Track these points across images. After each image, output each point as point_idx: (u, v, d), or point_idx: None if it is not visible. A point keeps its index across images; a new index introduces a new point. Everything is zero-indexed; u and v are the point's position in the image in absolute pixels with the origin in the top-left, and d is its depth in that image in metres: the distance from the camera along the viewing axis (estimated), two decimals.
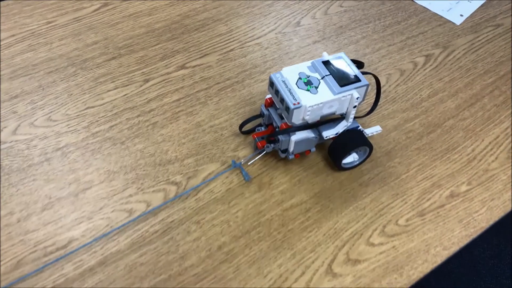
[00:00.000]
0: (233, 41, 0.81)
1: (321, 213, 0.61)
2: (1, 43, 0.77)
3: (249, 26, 0.84)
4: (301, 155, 0.66)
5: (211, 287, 0.53)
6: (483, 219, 0.62)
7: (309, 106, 0.57)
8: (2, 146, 0.64)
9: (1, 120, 0.67)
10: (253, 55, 0.78)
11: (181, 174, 0.63)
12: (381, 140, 0.69)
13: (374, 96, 0.71)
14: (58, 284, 0.52)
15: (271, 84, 0.60)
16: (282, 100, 0.59)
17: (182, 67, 0.76)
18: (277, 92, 0.59)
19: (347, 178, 0.65)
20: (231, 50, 0.80)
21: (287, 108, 0.58)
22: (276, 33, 0.83)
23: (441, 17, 0.90)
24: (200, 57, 0.78)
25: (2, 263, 0.53)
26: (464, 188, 0.65)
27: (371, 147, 0.63)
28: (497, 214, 0.63)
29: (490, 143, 0.70)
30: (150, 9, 0.86)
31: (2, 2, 0.83)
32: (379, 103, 0.72)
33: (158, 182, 0.62)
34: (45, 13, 0.83)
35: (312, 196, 0.62)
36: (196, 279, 0.54)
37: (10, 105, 0.69)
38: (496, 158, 0.68)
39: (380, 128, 0.67)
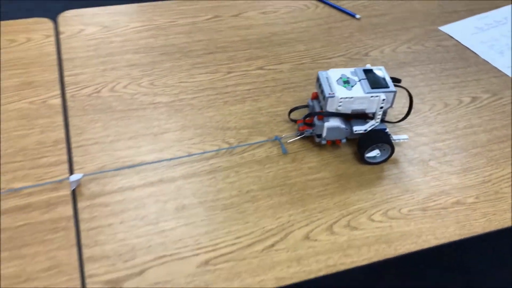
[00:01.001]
0: (306, 57, 0.98)
1: (337, 189, 0.73)
2: (133, 29, 1.02)
3: (323, 49, 1.01)
4: (333, 144, 0.80)
5: (233, 216, 0.68)
6: (480, 226, 0.70)
7: (341, 98, 0.72)
8: (116, 94, 0.86)
9: (118, 77, 0.90)
10: (320, 69, 0.95)
11: (235, 138, 0.80)
12: (409, 150, 0.80)
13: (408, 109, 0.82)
14: (124, 187, 0.71)
15: (317, 79, 0.76)
16: (322, 91, 0.74)
17: (260, 68, 0.95)
18: (320, 85, 0.75)
19: (369, 170, 0.77)
20: (303, 63, 0.97)
21: (324, 97, 0.73)
22: (344, 58, 0.99)
23: (500, 70, 0.99)
24: (276, 64, 0.96)
25: (93, 163, 0.73)
26: (471, 200, 0.73)
27: (392, 147, 0.75)
28: (494, 225, 0.70)
29: (508, 173, 0.78)
30: (249, 25, 1.07)
31: (143, 3, 1.09)
32: (416, 123, 0.84)
33: (216, 139, 0.79)
34: (170, 15, 1.08)
35: (334, 176, 0.75)
36: (223, 207, 0.69)
37: (128, 69, 0.92)
38: (510, 185, 0.76)
39: (407, 136, 0.78)
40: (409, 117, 0.85)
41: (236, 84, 0.91)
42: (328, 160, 0.78)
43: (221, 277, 0.62)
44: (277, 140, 0.79)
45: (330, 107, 0.73)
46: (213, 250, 0.65)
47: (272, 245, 0.66)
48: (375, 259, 0.65)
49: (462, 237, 0.69)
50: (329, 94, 0.72)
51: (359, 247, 0.66)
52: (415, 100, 0.89)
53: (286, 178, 0.74)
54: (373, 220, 0.70)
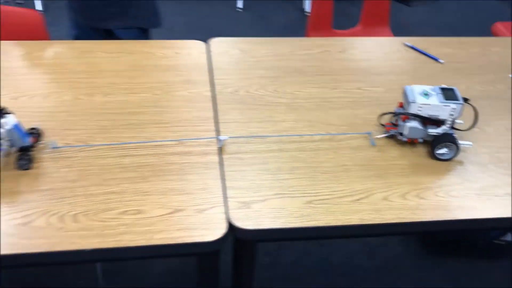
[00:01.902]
0: (396, 84, 1.24)
1: (411, 173, 0.96)
2: (263, 54, 1.34)
3: (410, 81, 1.26)
4: (411, 143, 1.03)
5: (330, 178, 0.94)
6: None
7: (421, 104, 0.96)
8: (249, 94, 1.17)
9: (251, 83, 1.21)
10: None
11: (335, 131, 1.06)
12: (471, 155, 1.02)
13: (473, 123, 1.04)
14: (254, 150, 0.99)
15: (404, 90, 1.01)
16: (406, 99, 0.99)
17: (359, 88, 1.22)
18: (405, 94, 1.00)
19: (437, 163, 0.99)
20: (392, 88, 1.23)
21: (408, 102, 0.98)
22: None
23: None
24: (372, 87, 1.23)
25: (232, 134, 1.03)
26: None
27: (458, 147, 0.97)
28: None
29: None
30: (351, 59, 1.35)
31: (272, 37, 1.42)
32: (480, 138, 1.05)
33: (321, 130, 1.06)
34: (291, 47, 1.39)
35: (409, 164, 0.98)
36: (323, 171, 0.95)
37: (258, 79, 1.23)
38: None
39: (471, 143, 1.00)
40: (475, 134, 1.07)
41: (339, 97, 1.18)
42: (406, 153, 1.01)
43: (319, 212, 0.87)
44: (368, 135, 1.05)
45: (412, 111, 0.98)
46: (315, 196, 0.90)
47: (358, 200, 0.90)
48: (436, 219, 0.87)
49: (506, 215, 0.88)
50: (412, 100, 0.97)
51: (424, 210, 0.88)
52: (481, 124, 1.11)
53: (373, 160, 0.99)
54: (437, 195, 0.92)
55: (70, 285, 1.55)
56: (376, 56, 1.37)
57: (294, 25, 3.31)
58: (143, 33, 1.56)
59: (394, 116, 1.04)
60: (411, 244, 1.77)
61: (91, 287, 1.55)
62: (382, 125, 1.08)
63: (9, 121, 0.88)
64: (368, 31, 2.18)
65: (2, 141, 0.88)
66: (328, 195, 0.91)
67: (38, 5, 3.15)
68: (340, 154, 1.00)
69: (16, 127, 0.89)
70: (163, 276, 1.60)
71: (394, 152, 1.02)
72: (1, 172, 0.90)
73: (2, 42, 1.29)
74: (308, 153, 1.00)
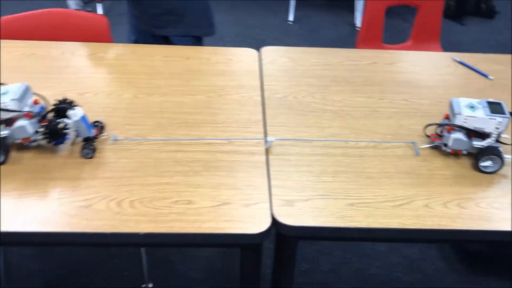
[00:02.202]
0: (443, 98, 1.25)
1: (454, 183, 0.98)
2: (312, 63, 1.39)
3: (458, 95, 1.27)
4: (456, 154, 1.04)
5: (373, 183, 0.96)
6: None
7: (466, 115, 0.98)
8: (297, 100, 1.21)
9: (300, 90, 1.25)
10: None
11: (380, 139, 1.09)
12: None
13: None
14: (300, 153, 1.03)
15: (450, 103, 1.03)
16: (452, 110, 1.01)
17: (405, 100, 1.24)
18: (451, 107, 1.02)
19: (481, 176, 1.00)
20: (440, 102, 1.24)
21: (453, 114, 1.00)
22: None
23: None
24: (418, 99, 1.25)
25: (280, 136, 1.08)
26: None
27: (502, 161, 0.98)
28: None
29: None
30: (399, 71, 1.38)
31: (321, 48, 1.47)
32: None
33: (366, 138, 1.09)
34: (339, 58, 1.43)
35: (453, 174, 1.00)
36: (367, 177, 0.98)
37: (307, 87, 1.27)
38: None
39: None
40: None
41: (385, 107, 1.21)
42: (450, 164, 1.03)
43: (361, 214, 0.90)
44: (412, 144, 1.07)
45: (457, 122, 1.00)
46: (357, 199, 0.93)
47: (399, 205, 0.92)
48: (477, 228, 0.88)
49: None
50: (457, 112, 0.99)
51: (465, 219, 0.90)
52: None
53: (416, 169, 1.01)
54: (479, 206, 0.93)
55: (116, 274, 1.63)
56: (424, 69, 1.39)
57: (344, 39, 3.34)
58: (197, 41, 1.64)
59: (439, 127, 1.06)
60: (451, 260, 1.75)
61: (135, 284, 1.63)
62: (427, 135, 1.10)
63: (77, 112, 0.96)
64: (418, 47, 2.18)
65: (69, 130, 0.97)
66: (370, 199, 0.93)
67: (100, 11, 3.34)
68: (384, 161, 1.03)
69: (83, 118, 0.97)
70: (205, 275, 1.66)
71: (438, 162, 1.03)
72: (67, 159, 0.98)
73: (71, 43, 1.39)
74: (353, 158, 1.03)
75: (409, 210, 0.91)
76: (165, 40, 1.61)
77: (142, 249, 1.65)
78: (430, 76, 1.36)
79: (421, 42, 2.22)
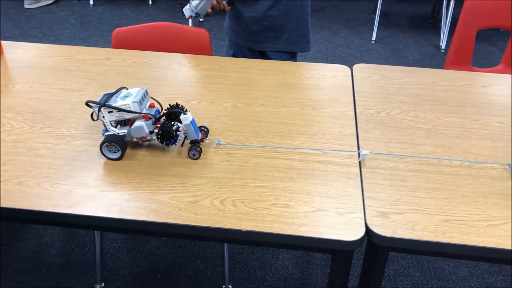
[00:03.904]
0: None
1: None
2: (405, 82, 1.41)
3: None
4: None
5: (468, 202, 0.97)
6: None
7: None
8: (389, 116, 1.24)
9: (392, 107, 1.28)
10: None
11: (472, 158, 1.09)
12: None
13: None
14: (393, 167, 1.06)
15: None
16: None
17: (501, 122, 1.23)
18: None
19: None
20: None
21: None
22: None
23: None
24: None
25: (372, 150, 1.11)
26: None
27: None
28: None
29: None
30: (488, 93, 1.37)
31: (412, 67, 1.48)
32: None
33: (457, 155, 1.10)
34: (433, 78, 1.44)
35: None
36: (460, 195, 0.99)
37: (399, 104, 1.30)
38: None
39: None
40: None
41: (480, 128, 1.21)
42: None
43: (455, 231, 0.91)
44: (508, 166, 1.06)
45: None
46: (451, 215, 0.94)
47: (495, 225, 0.93)
48: None
49: None
50: None
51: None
52: None
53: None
54: None
55: (198, 273, 1.72)
56: (496, 90, 1.37)
57: (427, 60, 3.30)
58: (292, 56, 1.71)
59: None
60: None
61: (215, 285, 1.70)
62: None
63: (188, 117, 1.06)
64: (510, 72, 2.13)
65: (180, 133, 1.06)
66: (465, 217, 0.94)
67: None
68: (478, 181, 1.03)
69: (193, 122, 1.06)
70: (282, 283, 1.70)
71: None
72: (176, 159, 1.07)
73: (177, 54, 1.52)
74: (446, 176, 1.04)
75: (505, 231, 0.91)
76: (262, 55, 1.70)
77: (226, 252, 1.72)
78: (498, 98, 1.34)
79: None
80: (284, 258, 1.80)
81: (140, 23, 1.67)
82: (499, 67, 2.17)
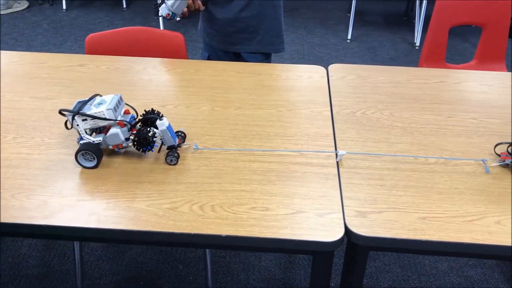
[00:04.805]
0: None
1: None
2: (380, 81, 1.42)
3: None
4: None
5: (444, 199, 0.98)
6: None
7: None
8: (365, 116, 1.25)
9: (368, 107, 1.29)
10: None
11: (450, 156, 1.11)
12: None
13: None
14: (370, 166, 1.07)
15: None
16: None
17: (474, 118, 1.25)
18: None
19: None
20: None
21: None
22: None
23: None
24: (488, 118, 1.25)
25: (349, 151, 1.12)
26: None
27: None
28: None
29: None
30: (468, 90, 1.39)
31: (388, 66, 1.50)
32: None
33: (435, 154, 1.11)
34: (408, 76, 1.46)
35: None
36: (437, 192, 1.00)
37: (375, 103, 1.31)
38: None
39: None
40: None
41: (454, 125, 1.23)
42: None
43: (432, 228, 0.92)
44: (482, 162, 1.08)
45: None
46: (428, 213, 0.96)
47: (471, 221, 0.94)
48: None
49: None
50: None
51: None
52: None
53: (487, 186, 1.02)
54: None
55: (181, 278, 1.71)
56: (493, 89, 1.40)
57: (402, 57, 3.34)
58: (266, 57, 1.72)
59: (510, 146, 1.07)
60: None
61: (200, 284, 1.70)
62: (498, 154, 1.11)
63: (164, 122, 1.05)
64: (483, 67, 2.17)
65: (156, 139, 1.05)
66: (441, 213, 0.96)
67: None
68: (454, 178, 1.05)
69: (169, 128, 1.05)
70: (265, 284, 1.70)
71: (509, 180, 1.04)
72: (153, 165, 1.06)
73: (151, 58, 1.50)
74: (422, 174, 1.06)
75: (481, 226, 0.93)
76: (236, 56, 1.70)
77: (208, 256, 1.71)
78: (498, 96, 1.37)
79: (486, 62, 2.20)
80: (266, 259, 1.80)
81: (114, 27, 1.65)
82: (472, 62, 2.20)
